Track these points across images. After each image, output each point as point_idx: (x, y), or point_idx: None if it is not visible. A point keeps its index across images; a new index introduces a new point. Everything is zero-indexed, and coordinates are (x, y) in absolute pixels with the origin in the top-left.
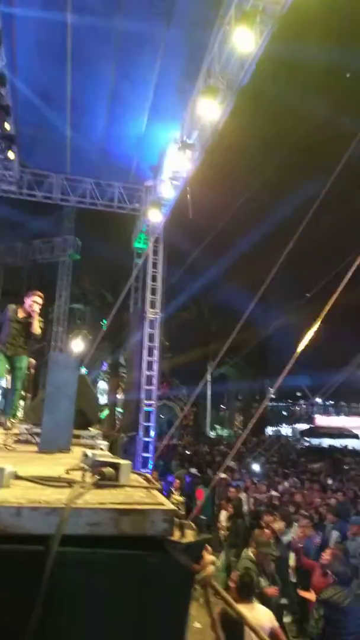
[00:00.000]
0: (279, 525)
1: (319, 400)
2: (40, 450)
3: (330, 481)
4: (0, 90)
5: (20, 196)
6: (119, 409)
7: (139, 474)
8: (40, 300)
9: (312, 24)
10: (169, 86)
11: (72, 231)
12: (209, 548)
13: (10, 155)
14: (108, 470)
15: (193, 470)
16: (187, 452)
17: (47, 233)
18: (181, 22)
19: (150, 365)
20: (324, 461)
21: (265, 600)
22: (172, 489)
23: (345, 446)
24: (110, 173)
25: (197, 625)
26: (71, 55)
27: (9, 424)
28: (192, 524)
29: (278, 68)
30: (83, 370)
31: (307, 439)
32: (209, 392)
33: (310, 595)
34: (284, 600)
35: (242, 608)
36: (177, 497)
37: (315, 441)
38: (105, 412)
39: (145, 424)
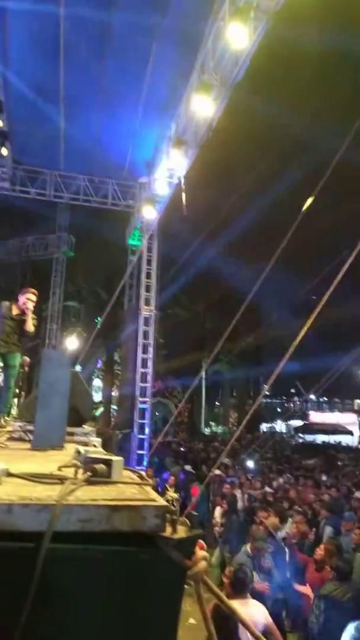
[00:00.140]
0: (272, 520)
1: (313, 397)
2: (33, 448)
3: (324, 477)
4: None
5: (14, 193)
6: (114, 406)
7: (132, 471)
8: (34, 298)
9: (307, 19)
10: (163, 82)
11: (66, 228)
12: (203, 544)
13: (4, 151)
14: (100, 466)
15: (187, 467)
16: (182, 449)
17: (40, 230)
18: (175, 17)
19: (144, 363)
20: (318, 457)
21: (260, 596)
22: (167, 486)
23: (339, 442)
24: (104, 169)
25: (191, 621)
26: (64, 51)
27: (2, 422)
28: (186, 520)
29: (273, 63)
30: (77, 368)
31: (302, 435)
32: (203, 389)
33: (306, 590)
34: (280, 595)
35: (236, 604)
36: (172, 494)
37: (309, 437)
38: (100, 410)
39: (140, 421)
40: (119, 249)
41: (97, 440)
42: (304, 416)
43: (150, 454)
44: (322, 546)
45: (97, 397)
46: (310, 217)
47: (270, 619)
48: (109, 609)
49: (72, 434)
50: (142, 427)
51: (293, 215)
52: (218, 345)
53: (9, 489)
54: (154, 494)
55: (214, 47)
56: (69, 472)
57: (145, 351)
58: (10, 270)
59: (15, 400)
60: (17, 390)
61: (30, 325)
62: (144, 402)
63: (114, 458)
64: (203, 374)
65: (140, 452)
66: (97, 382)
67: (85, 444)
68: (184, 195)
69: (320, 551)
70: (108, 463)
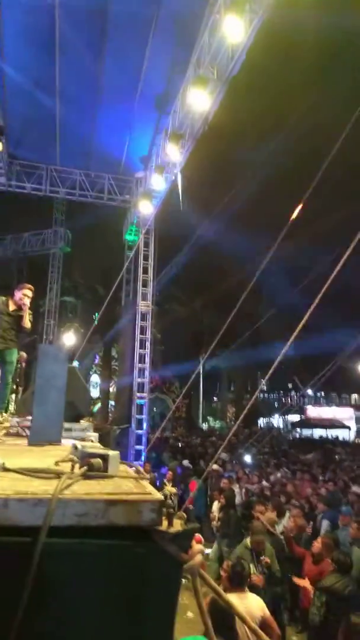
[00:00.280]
0: (268, 515)
1: (310, 391)
2: (30, 443)
3: (321, 471)
4: None
5: (10, 188)
6: (111, 402)
7: (129, 465)
8: (30, 294)
9: (303, 12)
10: (159, 76)
11: (62, 223)
12: (200, 538)
13: None
14: (96, 461)
15: (185, 462)
16: (179, 444)
17: (37, 225)
18: (171, 10)
19: (142, 358)
20: (316, 452)
21: (259, 588)
22: (165, 481)
23: (337, 437)
24: (100, 164)
25: (189, 614)
26: (59, 44)
27: (0, 418)
28: (182, 514)
29: (269, 56)
30: (75, 364)
31: (299, 430)
32: (201, 384)
33: (305, 582)
34: (277, 589)
35: (233, 597)
36: (170, 488)
37: (306, 432)
38: (98, 405)
39: (138, 416)
40: (115, 244)
41: (94, 436)
42: (301, 411)
43: (147, 449)
44: (319, 539)
45: (95, 392)
46: (308, 216)
47: (267, 612)
48: (105, 603)
49: (69, 429)
50: (139, 423)
51: (289, 208)
52: (215, 340)
53: (5, 484)
54: (150, 488)
55: (209, 40)
56: (65, 467)
57: (142, 346)
58: (7, 266)
59: (13, 396)
60: (14, 386)
61: (27, 322)
62: (142, 398)
63: (111, 452)
64: (200, 369)
65: (138, 447)
66: (95, 378)
67: (83, 439)
68: (180, 190)
69: (317, 544)
70: (104, 457)
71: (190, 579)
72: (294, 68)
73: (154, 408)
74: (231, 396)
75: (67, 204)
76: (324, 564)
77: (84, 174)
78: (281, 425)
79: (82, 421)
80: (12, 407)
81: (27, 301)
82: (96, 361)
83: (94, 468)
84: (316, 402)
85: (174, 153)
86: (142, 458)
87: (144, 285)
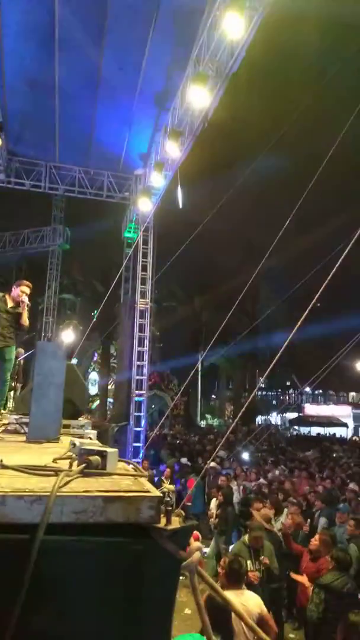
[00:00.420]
0: (263, 512)
1: (308, 389)
2: (28, 440)
3: (319, 469)
4: None
5: (9, 185)
6: (110, 399)
7: (127, 462)
8: (28, 290)
9: (303, 10)
10: (159, 73)
11: (61, 221)
12: (198, 535)
13: None
14: (95, 458)
15: (183, 460)
16: (178, 442)
17: (36, 223)
18: (171, 6)
19: (140, 355)
20: (313, 449)
21: (256, 585)
22: (163, 478)
23: (334, 434)
24: (99, 161)
25: (187, 611)
26: (59, 41)
27: None
28: (180, 511)
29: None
30: (74, 361)
31: (296, 427)
32: (199, 382)
33: (303, 579)
34: (275, 586)
35: (231, 594)
36: (168, 485)
37: (304, 430)
38: (96, 402)
39: (136, 413)
40: (114, 241)
41: (92, 433)
42: (299, 408)
43: (146, 446)
44: (317, 536)
45: (94, 389)
46: (306, 215)
47: (265, 609)
48: (103, 600)
49: (67, 426)
50: (138, 420)
51: (288, 207)
52: (214, 337)
53: (3, 481)
54: (148, 485)
55: (209, 37)
56: (63, 464)
57: (141, 344)
58: (6, 263)
59: (12, 393)
60: (12, 384)
61: (25, 319)
62: (140, 395)
63: (109, 450)
64: (199, 366)
65: (136, 444)
66: (94, 375)
67: (81, 437)
68: (179, 187)
69: (315, 541)
70: (103, 455)
71: (188, 576)
72: (294, 65)
73: (152, 405)
74: (229, 394)
75: (66, 201)
76: (322, 561)
77: (83, 171)
78: (279, 423)
79: (80, 418)
80: (10, 404)
81: (26, 298)
82: (95, 358)
83: (92, 465)
84: (314, 400)
85: (174, 150)
86: (141, 455)
87: (143, 282)
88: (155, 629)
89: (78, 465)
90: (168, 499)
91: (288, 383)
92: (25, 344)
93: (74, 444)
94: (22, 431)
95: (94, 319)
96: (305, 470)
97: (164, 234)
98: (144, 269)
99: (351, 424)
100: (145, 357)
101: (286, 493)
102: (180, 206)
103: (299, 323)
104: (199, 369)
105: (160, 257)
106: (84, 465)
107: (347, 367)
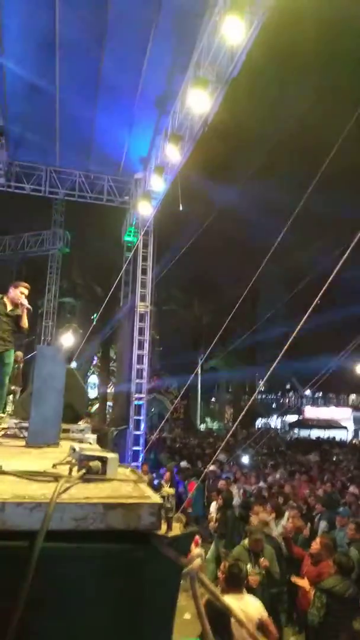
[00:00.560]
0: (262, 515)
1: (307, 392)
2: (28, 445)
3: (319, 472)
4: None
5: (9, 189)
6: (109, 403)
7: (127, 467)
8: (27, 292)
9: (303, 13)
10: (159, 78)
11: (61, 224)
12: (198, 540)
13: None
14: (95, 464)
15: (183, 463)
16: (177, 445)
17: (36, 226)
18: (171, 10)
19: (140, 359)
20: (314, 453)
21: (256, 589)
22: (163, 482)
23: (333, 437)
24: (99, 165)
25: (187, 616)
26: (59, 45)
27: None
28: (182, 516)
29: (270, 58)
30: (73, 364)
31: (296, 430)
32: (199, 385)
33: (304, 583)
34: (274, 590)
35: (231, 599)
36: (167, 489)
37: (304, 433)
38: (96, 406)
39: (136, 417)
40: (114, 245)
41: (92, 437)
42: (298, 411)
43: (146, 450)
44: (317, 540)
45: (93, 393)
46: (306, 218)
47: (265, 614)
48: (104, 607)
49: (67, 430)
50: (137, 424)
51: (288, 210)
52: (214, 341)
53: (3, 487)
54: (149, 492)
55: (209, 42)
56: (63, 470)
57: (140, 347)
58: (6, 267)
59: (11, 397)
60: (12, 387)
61: (25, 321)
62: (140, 399)
63: (109, 455)
64: (199, 370)
65: (135, 448)
66: (93, 379)
67: (81, 441)
68: (179, 191)
69: (316, 545)
70: (103, 460)
71: (188, 581)
72: (294, 69)
73: (152, 409)
74: (229, 397)
75: (66, 204)
76: (323, 565)
77: (84, 175)
78: (279, 426)
79: (80, 422)
80: (9, 408)
81: (25, 301)
82: (94, 362)
83: (92, 471)
84: (314, 402)
85: (174, 154)
86: (140, 459)
87: (143, 286)
88: (156, 636)
89: (78, 471)
90: (169, 504)
91: (288, 386)
92: (25, 347)
93: (74, 449)
94: (22, 436)
95: (94, 323)
96: (305, 474)
97: (164, 237)
98: (144, 272)
99: (351, 427)
100: (145, 360)
101: (286, 497)
102: (181, 209)
103: (300, 325)
104: (199, 373)
105: (160, 261)
106: (84, 471)
107: (347, 370)
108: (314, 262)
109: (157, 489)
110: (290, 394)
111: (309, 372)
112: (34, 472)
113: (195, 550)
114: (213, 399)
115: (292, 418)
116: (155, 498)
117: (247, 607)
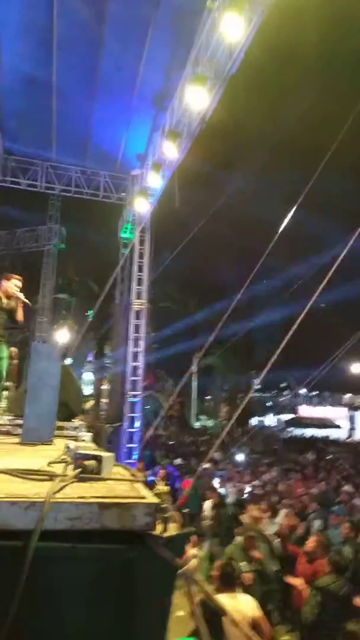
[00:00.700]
0: (252, 512)
1: (303, 391)
2: (22, 442)
3: (314, 471)
4: None
5: (4, 184)
6: (104, 400)
7: (123, 467)
8: (19, 284)
9: (302, 12)
10: (157, 74)
11: (57, 220)
12: (195, 541)
13: None
14: (90, 463)
15: (177, 461)
16: (171, 443)
17: (31, 222)
18: (170, 7)
19: (135, 356)
20: (309, 452)
21: (248, 587)
22: (157, 479)
23: (327, 436)
24: (96, 161)
25: (180, 613)
26: (57, 41)
27: None
28: (177, 515)
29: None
30: (68, 361)
31: (291, 429)
32: (194, 383)
33: (298, 582)
34: (267, 587)
35: (224, 597)
36: (161, 487)
37: (298, 431)
38: (90, 403)
39: (131, 414)
40: (111, 241)
41: (87, 435)
42: (293, 410)
43: (141, 447)
44: (312, 538)
45: (88, 390)
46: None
47: (258, 612)
48: (98, 607)
49: (62, 428)
50: (132, 421)
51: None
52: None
53: None
54: (144, 491)
55: (207, 38)
56: (58, 468)
57: (136, 345)
58: (0, 262)
59: (5, 393)
60: (6, 383)
61: (20, 315)
62: (135, 396)
63: (105, 454)
64: (194, 367)
65: (130, 445)
66: (88, 376)
67: (75, 439)
68: (177, 188)
69: (311, 543)
70: (98, 459)
71: (182, 581)
72: (293, 67)
73: (147, 406)
74: (224, 395)
75: (61, 200)
76: (319, 563)
77: (80, 171)
78: (274, 424)
79: (74, 420)
80: (3, 404)
81: (21, 294)
82: (89, 359)
83: (87, 470)
84: (309, 401)
85: (171, 151)
86: (135, 456)
87: (139, 283)
88: (151, 636)
89: (73, 470)
90: (164, 505)
91: (283, 384)
92: (20, 343)
93: (69, 447)
94: (16, 433)
95: (89, 319)
96: (300, 472)
97: (161, 234)
98: (140, 269)
99: (346, 426)
100: (140, 357)
101: (281, 495)
102: (177, 205)
103: (296, 324)
104: (194, 370)
105: (157, 258)
106: (79, 470)
107: (343, 369)
108: (312, 261)
109: (151, 486)
110: (286, 392)
111: (305, 371)
112: (28, 470)
113: (191, 551)
114: (208, 397)
115: (286, 416)
116: (151, 498)
117: (240, 605)
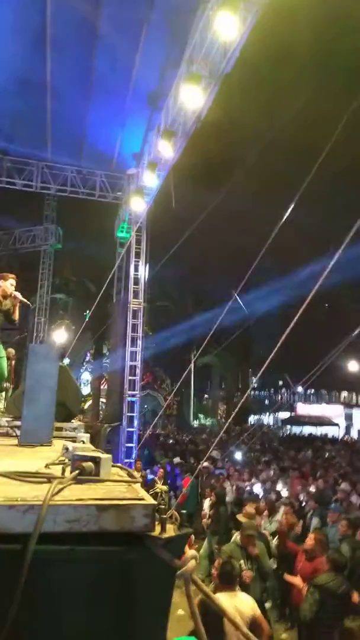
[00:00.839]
0: (248, 510)
1: (300, 389)
2: (20, 444)
3: (312, 469)
4: None
5: (0, 184)
6: (102, 399)
7: (121, 467)
8: (15, 283)
9: (297, 11)
10: (152, 73)
11: (53, 220)
12: (192, 540)
13: None
14: (88, 464)
15: (176, 460)
16: (170, 441)
17: (27, 222)
18: (164, 5)
19: (133, 356)
20: (306, 450)
21: (248, 585)
22: (156, 478)
23: (325, 434)
24: (92, 161)
25: (180, 612)
26: (51, 41)
27: None
28: (176, 514)
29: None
30: (66, 361)
31: (289, 427)
32: (192, 382)
33: (296, 580)
34: (265, 585)
35: (224, 596)
36: (160, 486)
37: (296, 429)
38: (89, 403)
39: (129, 414)
40: (107, 241)
41: (85, 436)
42: (291, 408)
43: (139, 446)
44: (311, 536)
45: (86, 390)
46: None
47: (258, 611)
48: (97, 609)
49: (60, 429)
50: (130, 420)
51: (282, 206)
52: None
53: None
54: (143, 493)
55: (202, 37)
56: (56, 470)
57: (133, 344)
58: None
59: (3, 394)
60: (4, 384)
61: (16, 314)
62: (133, 395)
63: (103, 456)
64: (192, 366)
65: (129, 444)
66: (86, 375)
67: (74, 440)
68: (172, 187)
69: (310, 541)
70: (96, 461)
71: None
72: (288, 66)
73: (145, 405)
74: (222, 394)
75: (57, 200)
76: (318, 561)
77: (76, 171)
78: (271, 422)
79: (73, 421)
80: (1, 406)
81: (19, 294)
82: (87, 358)
83: (85, 472)
84: (306, 399)
85: (167, 150)
86: (133, 456)
87: (136, 283)
88: (150, 638)
89: (71, 472)
90: (163, 504)
91: (280, 382)
92: (17, 344)
93: (67, 449)
94: (14, 434)
95: (87, 319)
96: (297, 470)
97: (157, 234)
98: (137, 269)
99: (343, 424)
100: (138, 357)
101: (278, 493)
102: (174, 205)
103: (292, 323)
104: (192, 369)
105: (154, 257)
106: (77, 472)
107: (339, 367)
108: (308, 260)
109: (150, 485)
110: (283, 390)
111: (302, 369)
112: (26, 472)
113: (190, 552)
114: (206, 396)
115: (284, 415)
116: (149, 499)
117: (240, 604)
